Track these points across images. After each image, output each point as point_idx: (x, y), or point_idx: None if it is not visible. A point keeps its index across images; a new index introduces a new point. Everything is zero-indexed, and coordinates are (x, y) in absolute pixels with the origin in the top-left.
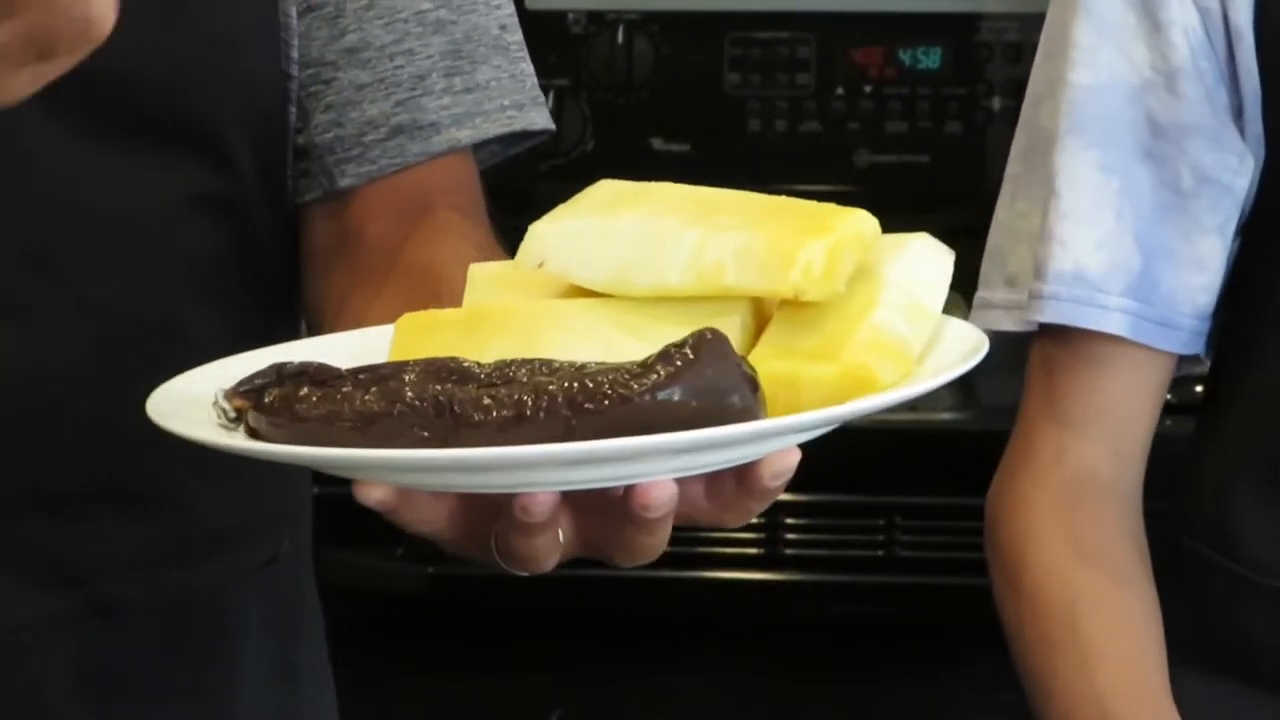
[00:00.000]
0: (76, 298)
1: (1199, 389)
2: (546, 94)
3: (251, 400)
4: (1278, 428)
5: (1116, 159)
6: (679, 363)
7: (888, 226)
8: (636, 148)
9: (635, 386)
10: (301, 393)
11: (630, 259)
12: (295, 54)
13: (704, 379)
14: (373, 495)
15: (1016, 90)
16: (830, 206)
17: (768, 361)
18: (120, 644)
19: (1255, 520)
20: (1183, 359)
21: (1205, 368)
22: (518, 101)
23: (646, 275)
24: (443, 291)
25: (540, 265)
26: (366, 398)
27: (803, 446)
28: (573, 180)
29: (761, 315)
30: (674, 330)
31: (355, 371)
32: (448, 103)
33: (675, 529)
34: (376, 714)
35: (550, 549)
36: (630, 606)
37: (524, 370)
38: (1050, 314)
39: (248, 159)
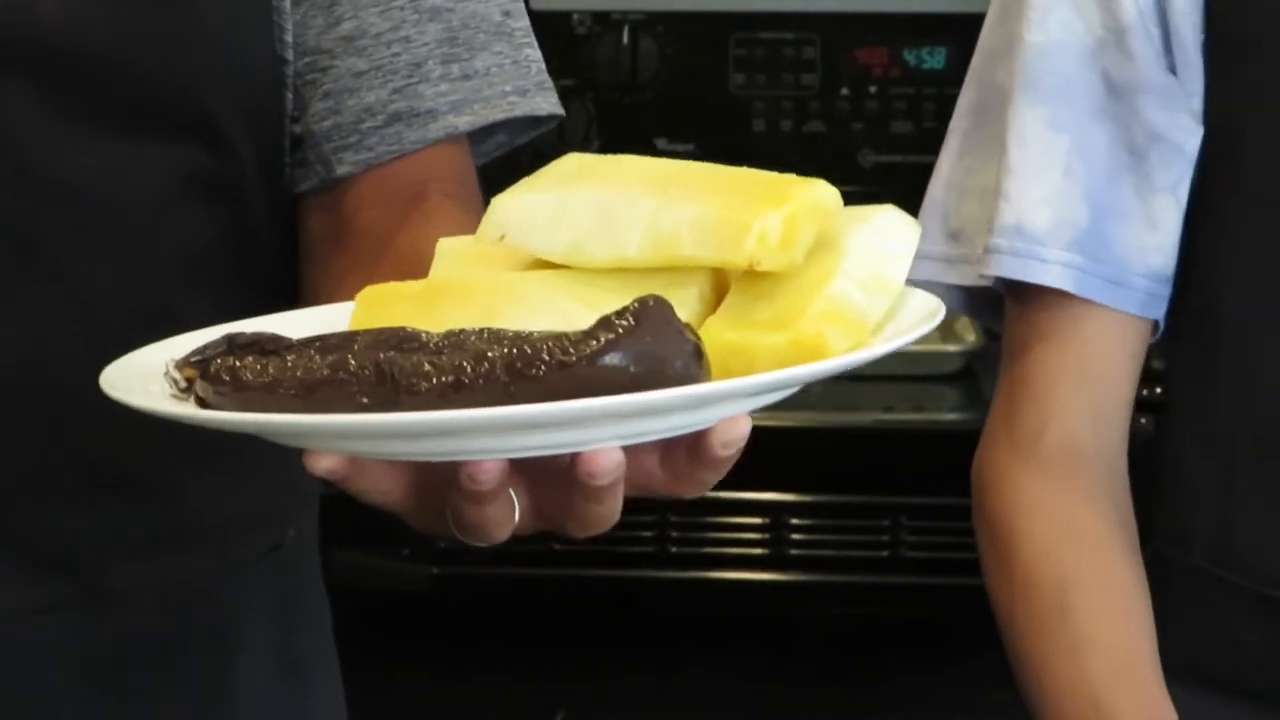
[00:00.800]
0: (68, 285)
1: (1158, 390)
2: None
3: (199, 369)
4: (1272, 424)
5: (1069, 117)
6: (619, 329)
7: None
8: (641, 148)
9: (574, 353)
10: (246, 361)
11: (588, 231)
12: (290, 39)
13: (644, 345)
14: (321, 464)
15: None
16: (790, 177)
17: (721, 331)
18: (119, 632)
19: (1253, 525)
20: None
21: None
22: (521, 87)
23: (603, 247)
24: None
25: (502, 238)
26: (310, 365)
27: (807, 447)
28: None
29: (721, 286)
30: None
31: (306, 341)
32: (445, 89)
33: (676, 529)
34: (381, 712)
35: (502, 519)
36: (635, 606)
37: (473, 339)
38: (992, 267)
39: (243, 145)
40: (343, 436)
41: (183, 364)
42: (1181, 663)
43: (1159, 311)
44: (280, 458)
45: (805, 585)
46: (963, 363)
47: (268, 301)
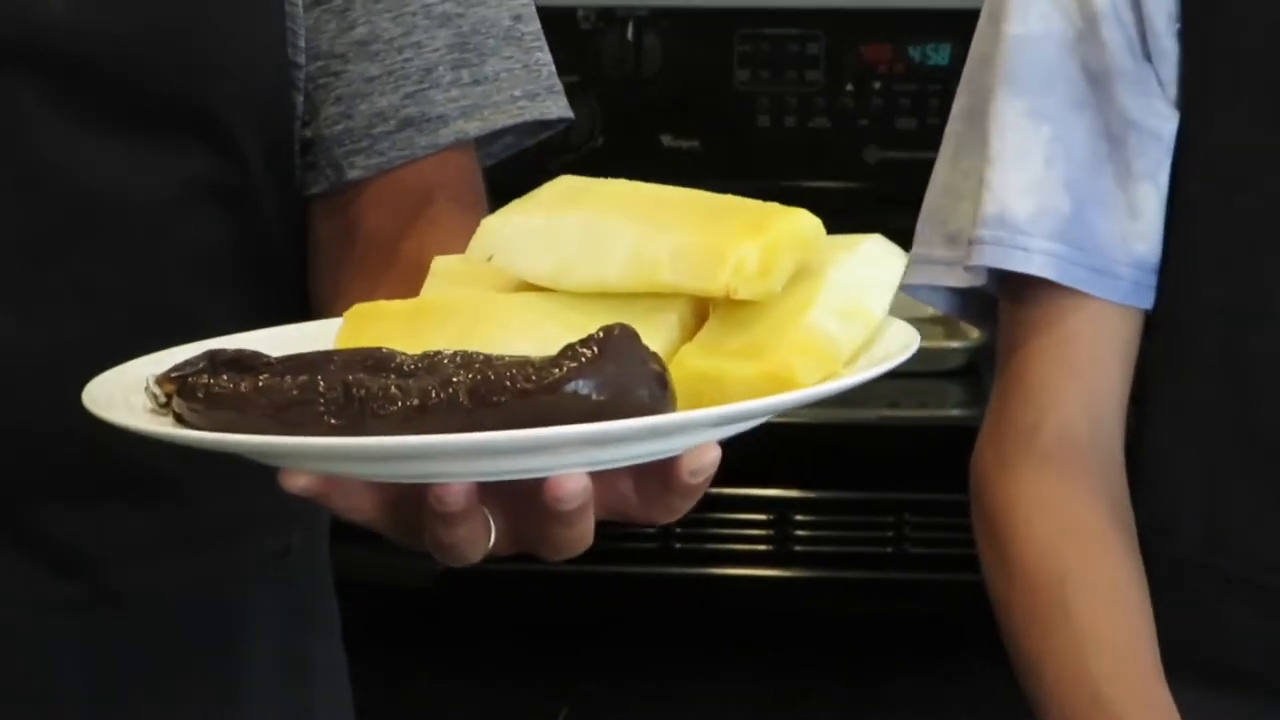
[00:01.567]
0: (80, 287)
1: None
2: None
3: (177, 385)
4: (1265, 410)
5: (1050, 106)
6: (583, 358)
7: (898, 222)
8: (646, 144)
9: (537, 380)
10: (221, 379)
11: (572, 255)
12: (302, 43)
13: (608, 374)
14: (296, 483)
15: None
16: (773, 206)
17: (694, 359)
18: (127, 632)
19: (1248, 512)
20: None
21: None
22: (530, 91)
23: (586, 271)
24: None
25: (490, 259)
26: (281, 385)
27: (811, 443)
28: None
29: (702, 313)
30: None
31: (284, 360)
32: (455, 95)
33: (680, 525)
34: (385, 707)
35: (474, 540)
36: (639, 603)
37: (445, 362)
38: (975, 257)
39: (251, 147)
40: (308, 457)
41: (162, 379)
42: (1170, 653)
43: (1146, 301)
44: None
45: (809, 581)
46: (966, 359)
47: (281, 302)
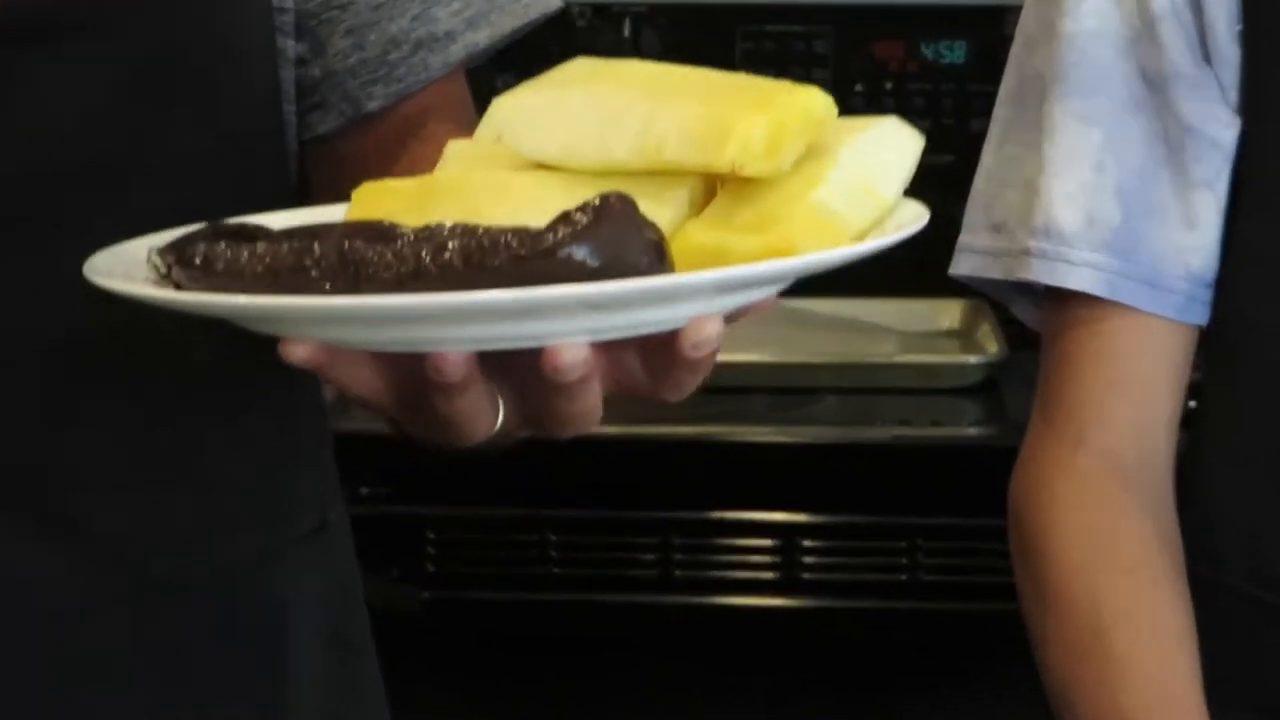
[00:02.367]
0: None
1: (1191, 403)
2: None
3: (176, 255)
4: None
5: (1103, 109)
6: (578, 224)
7: (906, 255)
8: None
9: (532, 245)
10: (219, 248)
11: (580, 134)
12: None
13: (603, 239)
14: (296, 352)
15: None
16: (783, 84)
17: (698, 233)
18: (172, 623)
19: None
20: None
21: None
22: None
23: (593, 149)
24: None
25: (498, 139)
26: (278, 252)
27: (819, 464)
28: None
29: (711, 192)
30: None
31: (286, 232)
32: (458, 7)
33: (681, 551)
34: None
35: (477, 414)
36: (635, 633)
37: (444, 233)
38: (1023, 270)
39: (240, 93)
40: (298, 320)
41: (164, 250)
42: (1218, 685)
43: (1201, 316)
44: (315, 433)
45: (818, 611)
46: (984, 374)
47: None
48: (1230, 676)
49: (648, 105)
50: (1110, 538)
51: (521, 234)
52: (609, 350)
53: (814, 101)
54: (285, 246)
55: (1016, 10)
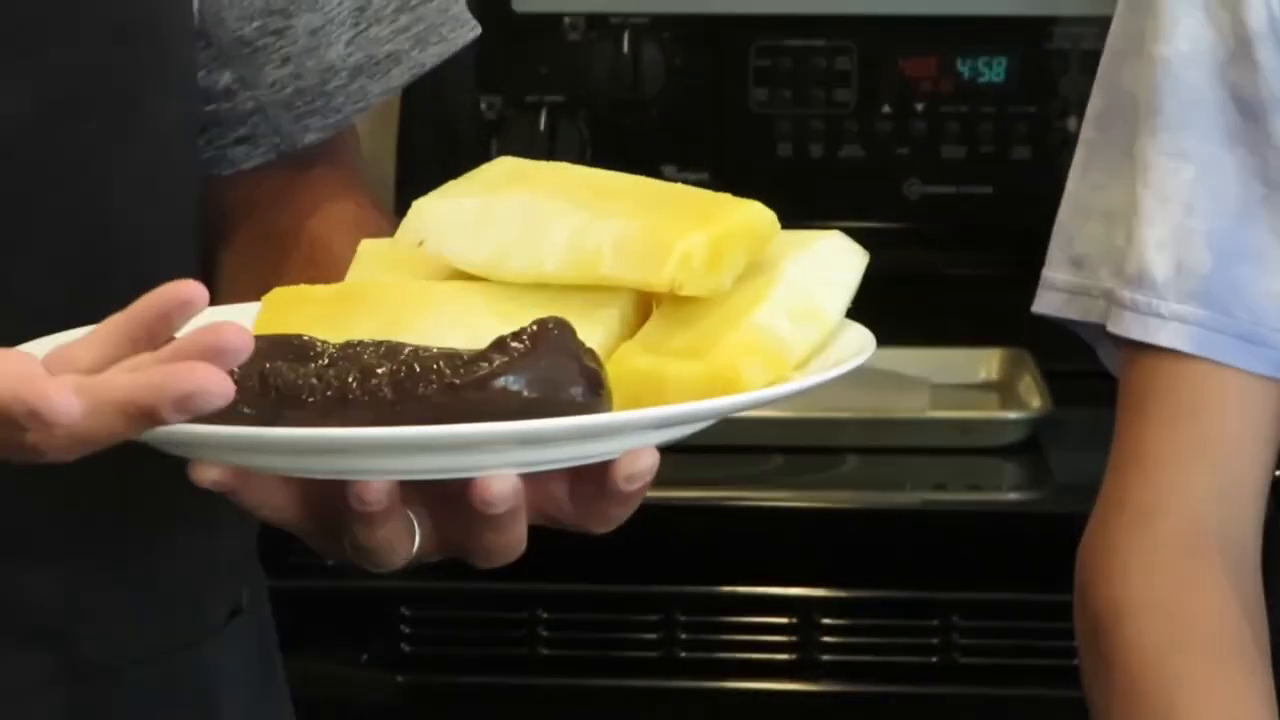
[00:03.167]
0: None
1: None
2: (539, 111)
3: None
4: None
5: (1195, 143)
6: (514, 352)
7: (944, 266)
8: (645, 174)
9: (465, 374)
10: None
11: (509, 242)
12: (197, 19)
13: (540, 370)
14: (208, 475)
15: None
16: (725, 197)
17: (634, 357)
18: (106, 703)
19: None
20: None
21: None
22: (461, 7)
23: (523, 260)
24: (318, 258)
25: (420, 244)
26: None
27: (843, 532)
28: None
29: (645, 309)
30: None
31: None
32: (404, 23)
33: (686, 630)
34: None
35: (397, 542)
36: None
37: (369, 353)
38: (1110, 319)
39: (161, 125)
40: (219, 448)
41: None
42: None
43: None
44: (241, 527)
45: (839, 697)
46: (1026, 432)
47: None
48: None
49: (582, 215)
50: (1189, 612)
51: (454, 360)
52: (535, 479)
53: (757, 216)
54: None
55: (1064, 21)
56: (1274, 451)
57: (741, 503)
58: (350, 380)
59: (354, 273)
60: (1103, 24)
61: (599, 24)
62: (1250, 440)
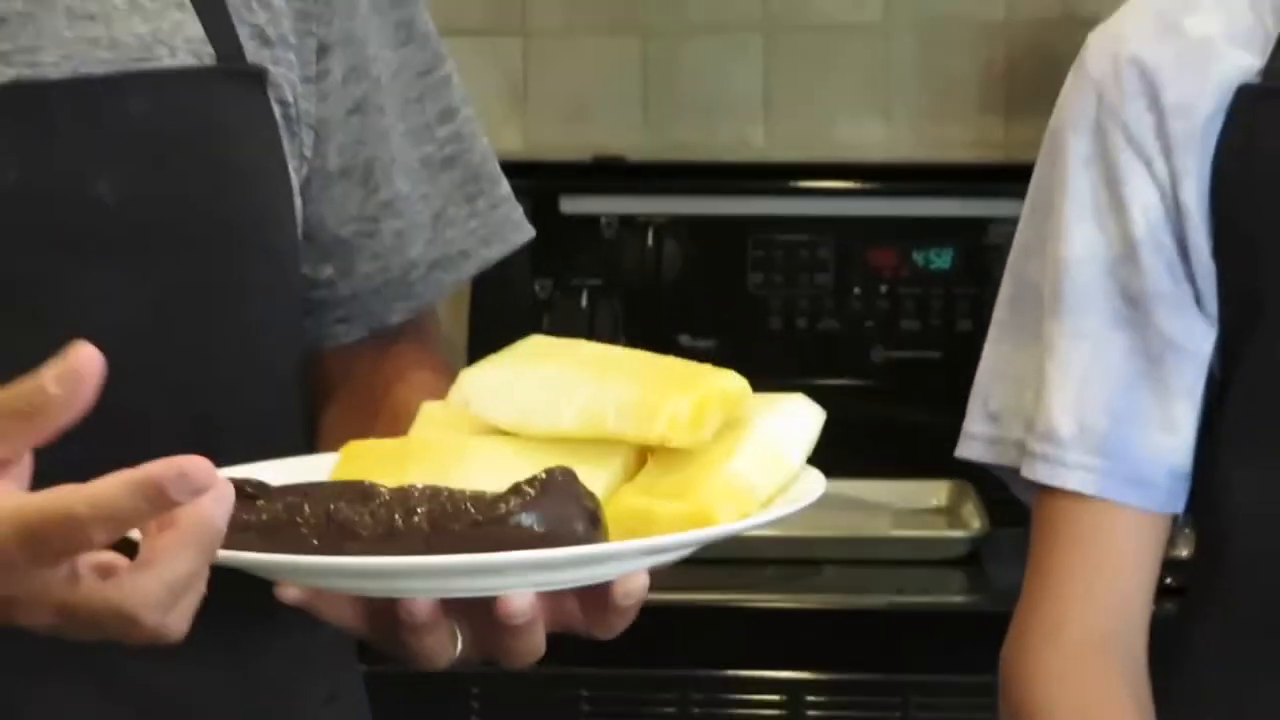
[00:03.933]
0: (122, 418)
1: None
2: (581, 292)
3: None
4: None
5: (1090, 327)
6: (527, 495)
7: (904, 417)
8: (664, 343)
9: (487, 513)
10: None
11: (533, 405)
12: (301, 224)
13: (547, 510)
14: (288, 594)
15: None
16: (706, 368)
17: (629, 498)
18: None
19: (1276, 695)
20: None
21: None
22: (520, 212)
23: (544, 419)
24: (400, 418)
25: (466, 405)
26: (274, 510)
27: (824, 627)
28: None
29: (643, 457)
30: (568, 463)
31: (283, 488)
32: (473, 227)
33: (698, 705)
34: None
35: (440, 648)
36: None
37: (416, 495)
38: (1025, 470)
39: (265, 300)
40: (294, 572)
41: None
42: None
43: (1179, 507)
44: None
45: None
46: (969, 548)
47: (291, 438)
48: None
49: (592, 384)
50: (1091, 704)
51: (479, 502)
52: (552, 597)
53: (731, 384)
54: (280, 505)
55: (1000, 221)
56: (1157, 571)
57: (743, 604)
58: (396, 518)
59: (415, 429)
60: None
61: (629, 223)
62: (1139, 564)
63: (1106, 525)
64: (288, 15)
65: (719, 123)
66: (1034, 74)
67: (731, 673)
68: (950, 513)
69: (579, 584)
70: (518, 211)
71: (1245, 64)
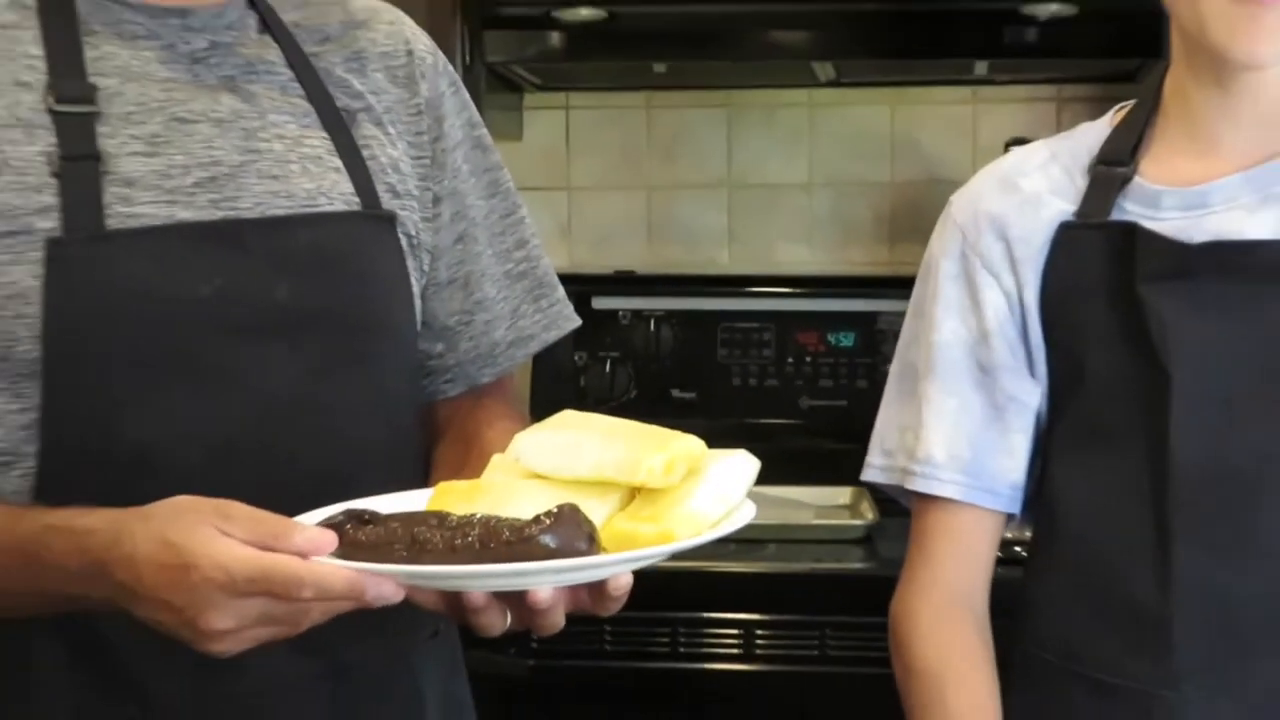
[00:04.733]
0: (292, 462)
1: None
2: (605, 363)
3: (336, 528)
4: (1097, 575)
5: (957, 387)
6: (545, 523)
7: (822, 448)
8: (662, 396)
9: (517, 535)
10: (347, 527)
11: (560, 459)
12: (420, 316)
13: (559, 533)
14: (384, 589)
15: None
16: (677, 433)
17: (619, 523)
18: (350, 697)
19: (1091, 637)
20: (1009, 518)
21: (1024, 534)
22: (571, 309)
23: (567, 469)
24: (485, 456)
25: (516, 459)
26: (378, 532)
27: (768, 583)
28: (622, 415)
29: (632, 495)
30: (581, 501)
31: (389, 516)
32: (539, 319)
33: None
34: None
35: (494, 624)
36: (668, 687)
37: (474, 521)
38: (912, 484)
39: (396, 369)
40: (392, 575)
41: (325, 524)
42: (1029, 713)
43: (1017, 508)
44: None
45: (768, 674)
46: (865, 531)
47: (412, 468)
48: (1045, 716)
49: (599, 445)
50: (949, 638)
51: (513, 526)
52: (567, 589)
53: (693, 445)
54: (383, 528)
55: (886, 314)
56: (995, 552)
57: (713, 570)
58: (456, 539)
59: (486, 473)
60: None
61: (638, 315)
62: (985, 548)
63: (965, 521)
64: (412, 176)
65: (697, 248)
66: (909, 217)
67: (705, 614)
68: (852, 508)
69: (581, 582)
70: (569, 308)
71: (1063, 208)
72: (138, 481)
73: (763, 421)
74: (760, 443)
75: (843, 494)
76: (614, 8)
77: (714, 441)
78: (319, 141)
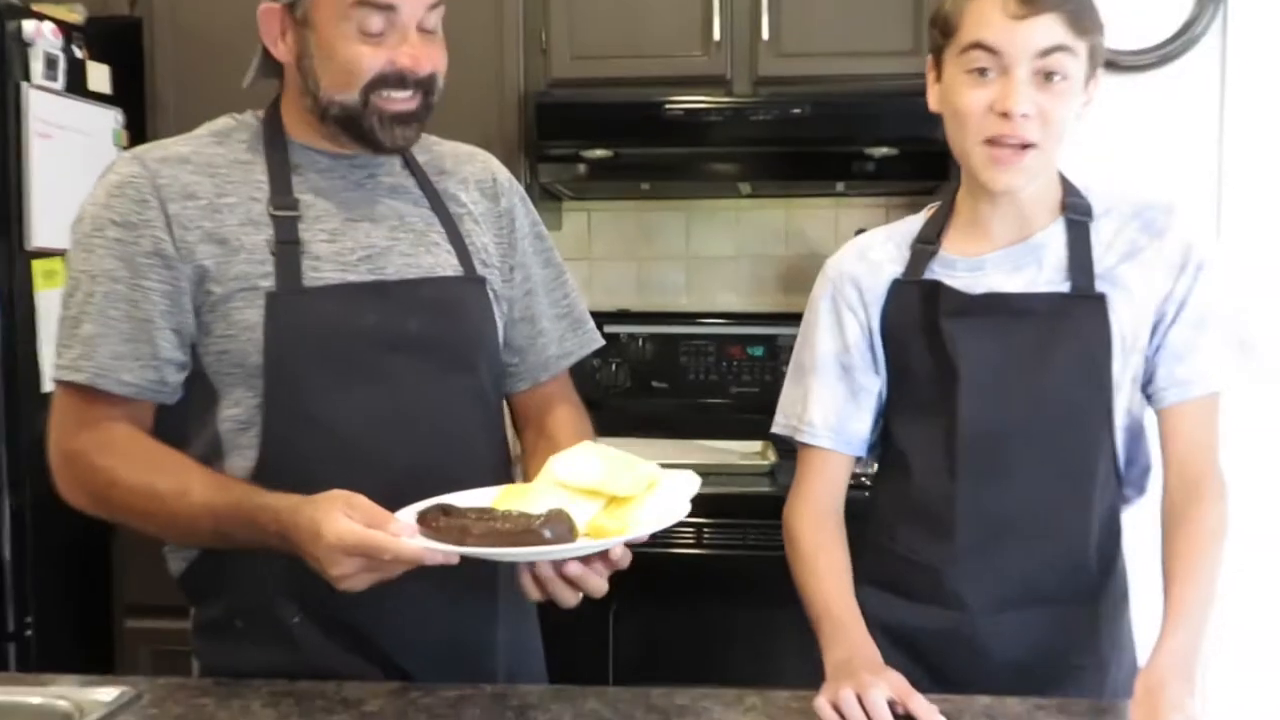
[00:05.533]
0: (409, 452)
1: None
2: (611, 366)
3: (418, 518)
4: (914, 493)
5: (829, 379)
6: (545, 519)
7: (742, 418)
8: (646, 388)
9: (526, 526)
10: (435, 516)
11: (575, 474)
12: (502, 341)
13: (553, 526)
14: (437, 558)
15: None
16: (643, 462)
17: (599, 519)
18: (440, 588)
19: (909, 531)
20: (859, 460)
21: (871, 469)
22: (598, 334)
23: (578, 481)
24: (548, 438)
25: (551, 470)
26: (449, 520)
27: (711, 500)
28: (622, 398)
29: (615, 500)
30: (581, 502)
31: (459, 509)
32: (577, 341)
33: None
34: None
35: (565, 597)
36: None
37: (506, 515)
38: (800, 438)
39: (488, 376)
40: (451, 552)
41: (419, 515)
42: (872, 578)
43: (864, 452)
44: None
45: (712, 557)
46: (770, 468)
47: (497, 455)
48: (874, 580)
49: (596, 466)
50: (820, 530)
51: (525, 519)
52: (559, 562)
53: (654, 470)
54: (452, 519)
55: (783, 336)
56: (848, 480)
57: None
58: (490, 528)
59: (537, 479)
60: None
61: (631, 336)
62: (843, 476)
63: (831, 461)
64: (496, 254)
65: (667, 294)
66: (797, 278)
67: (689, 520)
68: (762, 454)
69: (570, 555)
70: (596, 334)
71: (895, 271)
72: (325, 440)
73: (708, 400)
74: (706, 415)
75: (756, 445)
76: (618, 149)
77: (681, 415)
78: (437, 235)
